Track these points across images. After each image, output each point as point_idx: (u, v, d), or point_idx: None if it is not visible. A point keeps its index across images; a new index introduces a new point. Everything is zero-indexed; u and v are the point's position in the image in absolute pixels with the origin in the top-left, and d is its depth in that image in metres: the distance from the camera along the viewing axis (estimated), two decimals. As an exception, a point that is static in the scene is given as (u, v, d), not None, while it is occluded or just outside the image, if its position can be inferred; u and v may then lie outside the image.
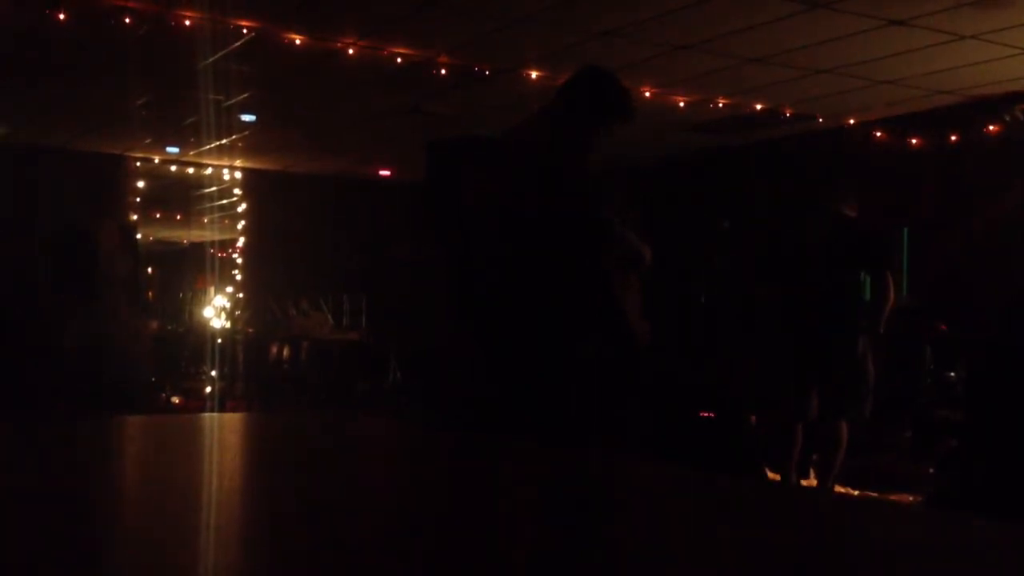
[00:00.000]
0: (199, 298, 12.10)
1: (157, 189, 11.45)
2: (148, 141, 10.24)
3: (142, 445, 1.87)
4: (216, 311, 11.44)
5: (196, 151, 10.74)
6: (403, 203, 10.17)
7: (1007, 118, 7.75)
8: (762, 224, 7.90)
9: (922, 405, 6.75)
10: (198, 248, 12.95)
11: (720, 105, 8.22)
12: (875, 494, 5.49)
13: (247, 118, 9.01)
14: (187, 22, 6.28)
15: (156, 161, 11.21)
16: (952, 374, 6.79)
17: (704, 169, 9.98)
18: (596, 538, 1.08)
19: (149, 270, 11.74)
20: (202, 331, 10.95)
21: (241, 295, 11.92)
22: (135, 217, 11.24)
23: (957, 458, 5.19)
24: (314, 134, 9.69)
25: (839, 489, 5.40)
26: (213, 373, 10.15)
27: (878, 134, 8.64)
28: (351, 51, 6.96)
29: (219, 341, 10.45)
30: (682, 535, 1.10)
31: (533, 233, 3.22)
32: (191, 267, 12.69)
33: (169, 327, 11.27)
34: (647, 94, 7.74)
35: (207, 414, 7.19)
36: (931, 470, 5.75)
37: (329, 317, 10.49)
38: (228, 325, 11.15)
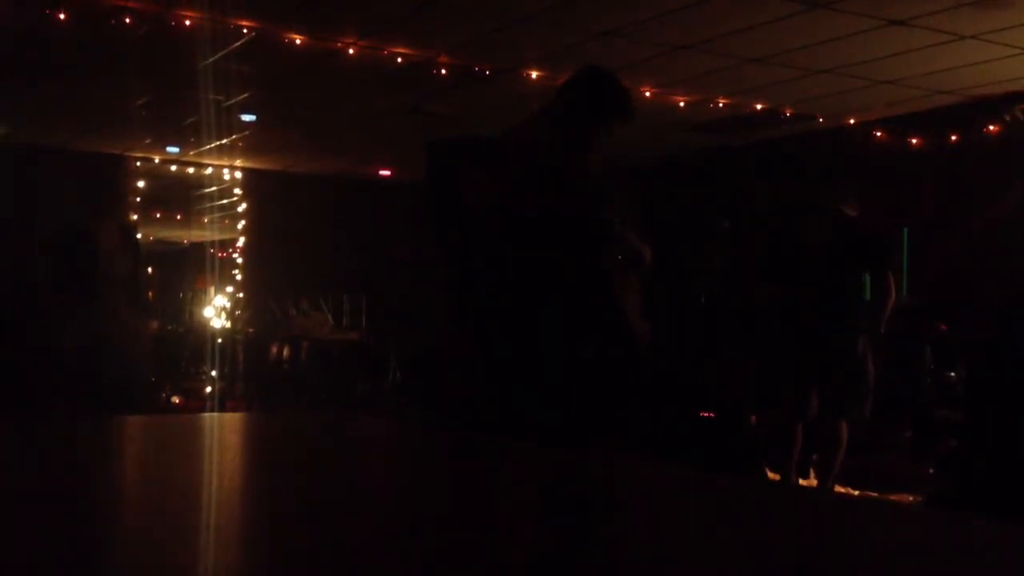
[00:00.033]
0: (199, 298, 12.10)
1: (157, 189, 11.45)
2: (148, 141, 10.24)
3: (142, 445, 1.87)
4: (216, 311, 11.44)
5: (196, 151, 10.74)
6: (403, 203, 10.17)
7: (1007, 118, 7.75)
8: (762, 224, 7.90)
9: (922, 405, 6.75)
10: (198, 248, 12.94)
11: (720, 105, 8.22)
12: (875, 494, 5.49)
13: (247, 118, 9.01)
14: (187, 22, 6.28)
15: (156, 161, 11.21)
16: (952, 374, 6.79)
17: (704, 169, 9.98)
18: (596, 538, 1.08)
19: (149, 270, 11.73)
20: (202, 331, 10.95)
21: (241, 295, 11.92)
22: (135, 217, 11.24)
23: (957, 458, 5.19)
24: (314, 134, 9.69)
25: (839, 489, 5.40)
26: (213, 373, 10.15)
27: (878, 134, 8.64)
28: (351, 51, 6.96)
29: (219, 341, 10.44)
30: (682, 535, 1.10)
31: (533, 233, 3.22)
32: (191, 267, 12.69)
33: (169, 327, 11.27)
34: (647, 94, 7.74)
35: (207, 414, 7.19)
36: (931, 470, 5.75)
37: (329, 317, 10.49)
38: (228, 325, 11.14)
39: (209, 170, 11.63)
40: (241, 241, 12.06)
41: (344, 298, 10.91)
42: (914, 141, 8.49)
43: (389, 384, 9.38)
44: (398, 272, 9.49)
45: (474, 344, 3.45)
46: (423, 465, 1.65)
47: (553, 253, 3.23)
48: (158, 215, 12.24)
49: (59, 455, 1.61)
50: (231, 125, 9.18)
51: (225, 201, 11.92)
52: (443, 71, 7.28)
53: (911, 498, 5.28)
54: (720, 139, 9.32)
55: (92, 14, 6.19)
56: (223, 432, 2.18)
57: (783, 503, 1.42)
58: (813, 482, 5.77)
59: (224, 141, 9.86)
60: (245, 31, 6.49)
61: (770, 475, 5.66)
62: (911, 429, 6.64)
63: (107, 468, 1.57)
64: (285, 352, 10.17)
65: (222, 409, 9.07)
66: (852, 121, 8.71)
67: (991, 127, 7.91)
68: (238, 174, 11.80)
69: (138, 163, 11.16)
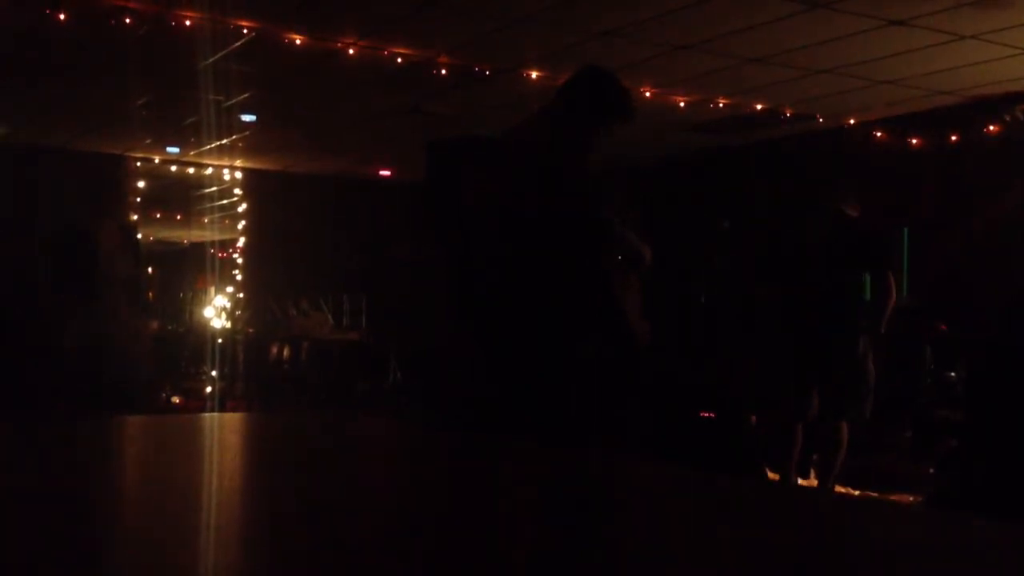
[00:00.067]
0: (199, 298, 12.09)
1: (157, 189, 11.45)
2: (148, 141, 10.24)
3: (142, 445, 1.87)
4: (216, 311, 11.44)
5: (196, 151, 10.74)
6: (403, 203, 10.17)
7: (1007, 118, 7.75)
8: (762, 224, 7.90)
9: (922, 405, 6.75)
10: (198, 248, 12.94)
11: (720, 105, 8.22)
12: (875, 494, 5.49)
13: (247, 118, 9.01)
14: (187, 22, 6.28)
15: (156, 161, 11.21)
16: (952, 374, 6.79)
17: (704, 169, 9.98)
18: (596, 538, 1.08)
19: (149, 270, 11.73)
20: (202, 331, 10.95)
21: (241, 295, 11.92)
22: (135, 217, 11.24)
23: (957, 458, 5.19)
24: (314, 134, 9.70)
25: (839, 489, 5.40)
26: (213, 373, 10.15)
27: (878, 134, 8.64)
28: (351, 51, 6.96)
29: (219, 341, 10.45)
30: (682, 535, 1.10)
31: (533, 233, 3.22)
32: (191, 267, 12.69)
33: (169, 327, 11.27)
34: (647, 94, 7.74)
35: (207, 414, 7.19)
36: (931, 470, 5.75)
37: (329, 317, 10.49)
38: (228, 325, 11.15)
39: (209, 170, 11.63)
40: (241, 241, 12.06)
41: (344, 298, 10.91)
42: (914, 141, 8.49)
43: (389, 384, 9.38)
44: (398, 272, 9.49)
45: (474, 344, 3.45)
46: (423, 465, 1.65)
47: (553, 253, 3.23)
48: (158, 215, 12.23)
49: (59, 455, 1.61)
50: (231, 125, 9.18)
51: (225, 201, 11.92)
52: (443, 71, 7.28)
53: (911, 498, 5.28)
54: (720, 139, 9.32)
55: (92, 14, 6.19)
56: (223, 432, 2.18)
57: (783, 503, 1.42)
58: (813, 482, 5.77)
59: (224, 141, 9.86)
60: (245, 31, 6.49)
61: (770, 475, 5.66)
62: (911, 429, 6.64)
63: (107, 468, 1.57)
64: (285, 352, 10.17)
65: (222, 409, 9.07)
66: (852, 121, 8.71)
67: (991, 127, 7.91)
68: (238, 174, 11.80)
69: (138, 163, 11.16)
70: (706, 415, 6.12)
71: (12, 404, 6.06)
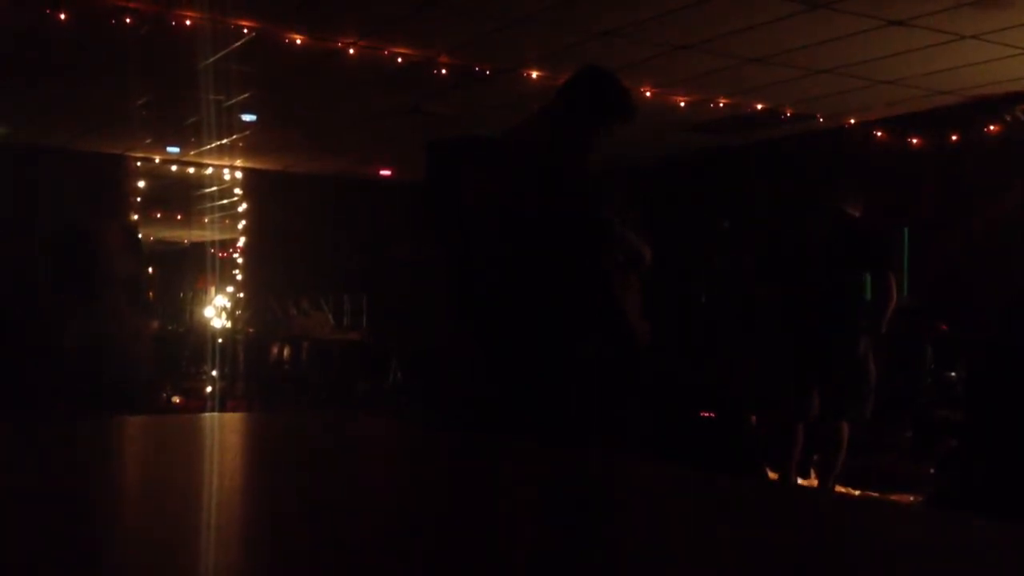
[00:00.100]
0: (200, 298, 12.10)
1: (158, 189, 11.46)
2: (148, 141, 10.24)
3: (142, 445, 1.87)
4: (217, 311, 11.44)
5: (196, 151, 10.75)
6: (403, 203, 10.17)
7: (1007, 118, 7.76)
8: (762, 224, 7.90)
9: (922, 405, 6.75)
10: (199, 248, 12.95)
11: (720, 105, 8.23)
12: (875, 494, 5.49)
13: (247, 118, 9.01)
14: (187, 22, 6.28)
15: (157, 161, 11.21)
16: (952, 374, 6.79)
17: (704, 169, 9.98)
18: (596, 538, 1.08)
19: (150, 270, 11.74)
20: (203, 331, 10.95)
21: (242, 295, 11.92)
22: (135, 217, 11.24)
23: (957, 458, 5.19)
24: (314, 134, 9.70)
25: (839, 489, 5.40)
26: (214, 373, 10.15)
27: (878, 134, 8.64)
28: (351, 51, 6.96)
29: (220, 341, 10.45)
30: (682, 535, 1.10)
31: (533, 233, 3.22)
32: (192, 267, 12.70)
33: (170, 327, 11.27)
34: (647, 94, 7.74)
35: (207, 414, 7.19)
36: (931, 470, 5.75)
37: (330, 317, 10.49)
38: (229, 325, 11.15)
39: (209, 170, 11.63)
40: (241, 241, 12.07)
41: (344, 298, 10.92)
42: (914, 141, 8.49)
43: (389, 384, 9.38)
44: (398, 272, 9.49)
45: (474, 344, 3.45)
46: (423, 465, 1.65)
47: (553, 253, 3.22)
48: (158, 215, 12.24)
49: (59, 455, 1.61)
50: (231, 125, 9.18)
51: (225, 201, 11.92)
52: (443, 71, 7.28)
53: (911, 498, 5.28)
54: (720, 139, 9.32)
55: (92, 14, 6.19)
56: (223, 432, 2.17)
57: (783, 503, 1.42)
58: (813, 482, 5.76)
59: (224, 141, 9.86)
60: (245, 31, 6.49)
61: (770, 475, 5.66)
62: (911, 429, 6.64)
63: (107, 468, 1.57)
64: (285, 352, 10.17)
65: (223, 409, 9.07)
66: (852, 121, 8.71)
67: (991, 127, 7.91)
68: (238, 174, 11.80)
69: (138, 163, 11.17)
70: (706, 415, 6.11)
71: (12, 404, 6.06)
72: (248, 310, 11.51)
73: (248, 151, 10.62)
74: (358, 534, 1.05)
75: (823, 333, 5.33)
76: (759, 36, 6.45)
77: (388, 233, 10.83)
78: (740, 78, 7.47)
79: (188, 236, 13.25)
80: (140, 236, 10.08)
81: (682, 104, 8.12)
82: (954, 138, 8.20)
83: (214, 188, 11.82)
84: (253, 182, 11.81)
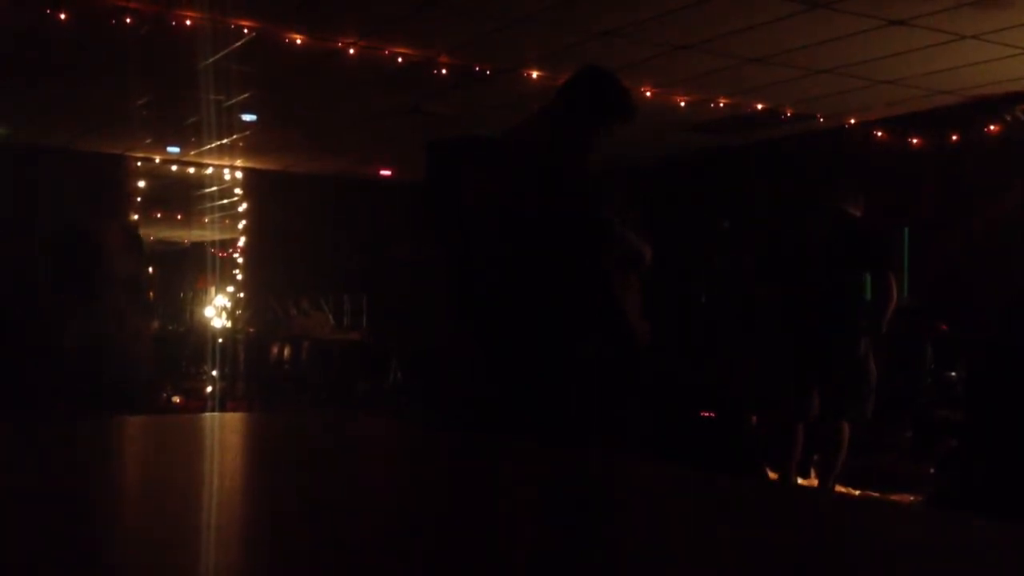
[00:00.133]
0: (200, 298, 12.10)
1: (158, 189, 11.46)
2: (149, 141, 10.24)
3: (142, 445, 1.87)
4: (217, 311, 11.44)
5: (197, 151, 10.75)
6: (403, 203, 10.17)
7: (1007, 118, 7.76)
8: (762, 224, 7.90)
9: (922, 405, 6.74)
10: (199, 248, 12.96)
11: (720, 105, 8.23)
12: (875, 494, 5.49)
13: (247, 118, 9.02)
14: (187, 22, 6.28)
15: (157, 161, 11.21)
16: (952, 374, 6.79)
17: (704, 169, 9.98)
18: (596, 538, 1.08)
19: (150, 270, 11.73)
20: (203, 331, 10.95)
21: (242, 295, 11.92)
22: (136, 217, 11.25)
23: (957, 458, 5.19)
24: (314, 134, 9.70)
25: (839, 489, 5.40)
26: (214, 373, 10.15)
27: (878, 134, 8.64)
28: (351, 51, 6.96)
29: (220, 341, 10.45)
30: (682, 535, 1.10)
31: (533, 233, 3.22)
32: (192, 267, 12.70)
33: (170, 327, 11.27)
34: (647, 94, 7.74)
35: (208, 414, 7.19)
36: (931, 470, 5.75)
37: (330, 317, 10.49)
38: (229, 325, 11.15)
39: (210, 170, 11.63)
40: (242, 241, 12.07)
41: (344, 298, 10.92)
42: (914, 141, 8.49)
43: (389, 384, 9.37)
44: (398, 272, 9.49)
45: (474, 344, 3.44)
46: (423, 465, 1.65)
47: (553, 253, 3.22)
48: (159, 215, 12.25)
49: (59, 455, 1.61)
50: (231, 125, 9.18)
51: (225, 201, 11.92)
52: (443, 71, 7.28)
53: (911, 498, 5.28)
54: (720, 139, 9.32)
55: (92, 14, 6.19)
56: (223, 432, 2.17)
57: (783, 503, 1.42)
58: (813, 482, 5.76)
59: (224, 141, 9.86)
60: (245, 31, 6.49)
61: (770, 475, 5.66)
62: (911, 429, 6.64)
63: (107, 468, 1.57)
64: (286, 352, 10.17)
65: (223, 409, 9.07)
66: (852, 121, 8.71)
67: (991, 127, 7.91)
68: (238, 174, 11.80)
69: (139, 163, 11.17)
70: (706, 415, 6.11)
71: (12, 404, 6.06)
72: (248, 310, 11.51)
73: (248, 151, 10.62)
74: (358, 534, 1.05)
75: (823, 333, 5.33)
76: (759, 36, 6.45)
77: (388, 233, 10.83)
78: (740, 78, 7.47)
79: (188, 236, 13.25)
80: (140, 236, 10.10)
81: (682, 104, 8.12)
82: (954, 138, 8.20)
83: (214, 188, 11.82)
84: (253, 182, 11.81)
